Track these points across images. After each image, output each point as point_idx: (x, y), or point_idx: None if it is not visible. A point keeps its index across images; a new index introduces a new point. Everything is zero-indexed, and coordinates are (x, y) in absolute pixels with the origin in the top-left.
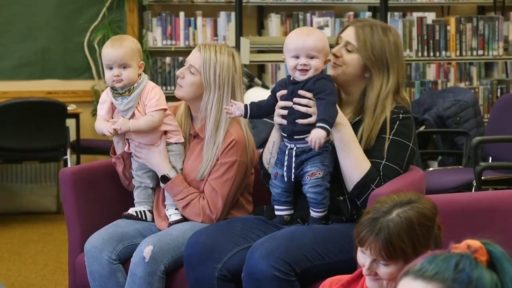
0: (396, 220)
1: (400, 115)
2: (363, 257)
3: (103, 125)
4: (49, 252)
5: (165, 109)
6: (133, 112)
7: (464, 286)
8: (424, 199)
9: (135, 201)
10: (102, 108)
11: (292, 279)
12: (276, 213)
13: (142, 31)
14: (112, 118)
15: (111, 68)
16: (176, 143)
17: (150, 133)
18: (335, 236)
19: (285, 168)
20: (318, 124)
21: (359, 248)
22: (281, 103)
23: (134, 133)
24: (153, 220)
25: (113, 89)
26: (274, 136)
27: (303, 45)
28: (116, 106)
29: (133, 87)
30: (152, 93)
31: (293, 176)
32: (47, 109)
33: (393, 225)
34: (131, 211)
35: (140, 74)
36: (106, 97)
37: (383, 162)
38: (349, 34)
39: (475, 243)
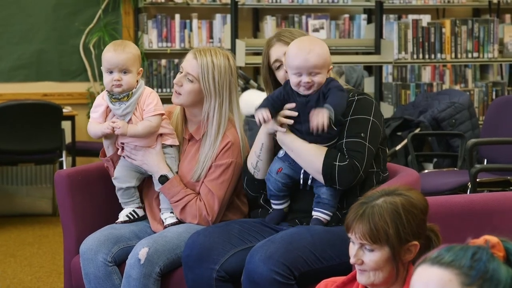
0: (381, 204)
1: (356, 97)
2: (352, 247)
3: (98, 126)
4: (45, 254)
5: (162, 114)
6: (130, 117)
7: (480, 274)
8: (415, 192)
9: (121, 202)
10: (96, 112)
11: (291, 282)
12: (274, 207)
13: (138, 33)
14: (105, 122)
15: (111, 72)
16: (171, 146)
17: (146, 136)
18: (333, 239)
19: (302, 170)
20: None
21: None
22: (289, 112)
23: (131, 137)
24: (145, 214)
25: (110, 93)
26: (263, 139)
27: (305, 64)
28: (112, 111)
29: (132, 93)
30: (149, 99)
31: (309, 181)
32: (43, 111)
33: (377, 208)
34: (122, 217)
35: (138, 80)
36: (101, 100)
37: (344, 140)
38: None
39: (493, 238)
